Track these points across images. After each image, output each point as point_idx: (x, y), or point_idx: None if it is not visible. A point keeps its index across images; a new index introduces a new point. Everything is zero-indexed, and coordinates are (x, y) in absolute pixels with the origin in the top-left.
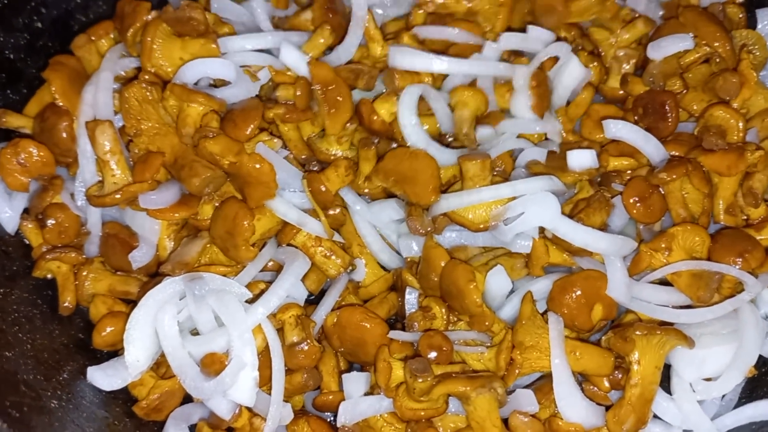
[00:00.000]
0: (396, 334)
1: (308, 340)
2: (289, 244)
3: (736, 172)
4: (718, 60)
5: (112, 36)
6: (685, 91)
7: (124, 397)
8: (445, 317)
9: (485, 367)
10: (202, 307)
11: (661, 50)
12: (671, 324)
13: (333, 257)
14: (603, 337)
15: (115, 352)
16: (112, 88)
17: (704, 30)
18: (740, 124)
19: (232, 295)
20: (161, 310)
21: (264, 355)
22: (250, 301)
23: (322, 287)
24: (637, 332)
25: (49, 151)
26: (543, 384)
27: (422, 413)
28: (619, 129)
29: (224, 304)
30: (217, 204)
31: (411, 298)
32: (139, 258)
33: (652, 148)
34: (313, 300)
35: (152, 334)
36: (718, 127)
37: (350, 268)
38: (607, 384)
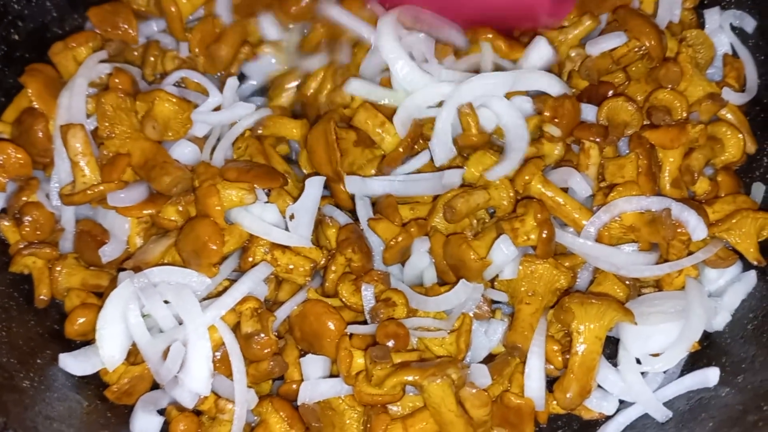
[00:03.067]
0: (355, 328)
1: (264, 332)
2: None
3: (678, 144)
4: (647, 53)
5: (91, 45)
6: (627, 83)
7: (96, 382)
8: (406, 306)
9: (447, 352)
10: (156, 303)
11: (597, 46)
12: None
13: (295, 268)
14: (550, 311)
15: (87, 342)
16: (86, 94)
17: (633, 25)
18: (683, 104)
19: (189, 291)
20: (126, 307)
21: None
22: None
23: None
24: (574, 301)
25: (26, 153)
26: (499, 362)
27: (380, 398)
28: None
29: (182, 299)
30: (180, 208)
31: (368, 294)
32: (109, 253)
33: None
34: None
35: (121, 329)
36: (664, 107)
37: (321, 267)
38: (559, 359)
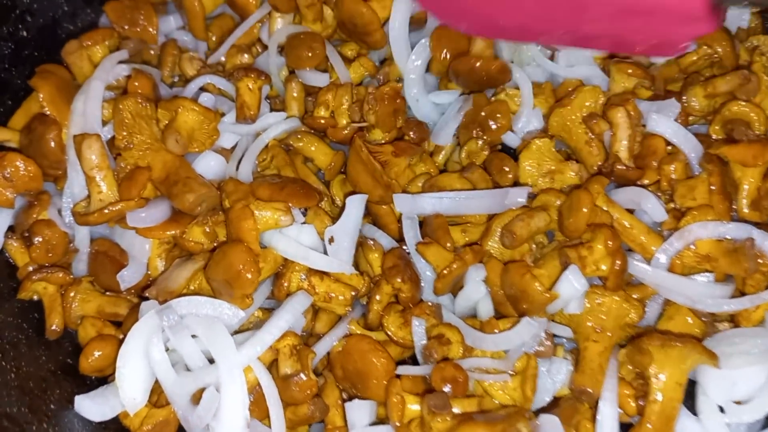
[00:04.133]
0: (406, 369)
1: (304, 372)
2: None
3: (762, 162)
4: (718, 61)
5: (107, 44)
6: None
7: (115, 426)
8: (461, 344)
9: (510, 399)
10: (184, 338)
11: None
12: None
13: (335, 297)
14: (621, 351)
15: (104, 378)
16: (103, 98)
17: None
18: (761, 118)
19: (221, 325)
20: (149, 342)
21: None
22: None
23: None
24: (654, 343)
25: (36, 166)
26: (566, 408)
27: None
28: (659, 123)
29: (213, 335)
30: (207, 228)
31: (419, 330)
32: (128, 278)
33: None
34: None
35: (144, 367)
36: (741, 120)
37: (362, 295)
38: (633, 405)
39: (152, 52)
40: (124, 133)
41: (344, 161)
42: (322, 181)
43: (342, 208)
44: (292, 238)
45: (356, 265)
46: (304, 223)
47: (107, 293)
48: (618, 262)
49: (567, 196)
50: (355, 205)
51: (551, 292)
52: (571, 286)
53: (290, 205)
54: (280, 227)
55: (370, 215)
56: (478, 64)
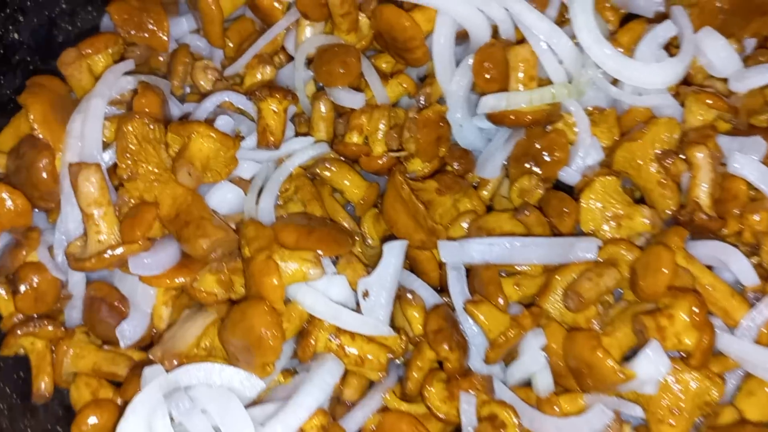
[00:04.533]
0: None
1: None
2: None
3: None
4: None
5: (110, 51)
6: None
7: None
8: (518, 428)
9: None
10: (193, 415)
11: (745, 82)
12: None
13: (368, 360)
14: None
15: None
16: (104, 119)
17: None
18: None
19: (237, 401)
20: (153, 416)
21: None
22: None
23: None
24: None
25: (24, 199)
26: None
27: None
28: (743, 165)
29: (227, 413)
30: (222, 276)
31: (468, 408)
32: (129, 333)
33: None
34: None
35: None
36: None
37: (399, 359)
38: None
39: (161, 58)
40: (129, 162)
41: (378, 194)
42: (352, 216)
43: (375, 250)
44: (321, 292)
45: (392, 320)
46: (334, 273)
47: (104, 347)
48: (706, 337)
49: (640, 249)
50: (395, 254)
51: (626, 371)
52: (652, 367)
53: (320, 253)
54: (308, 281)
55: (407, 259)
56: (512, 116)
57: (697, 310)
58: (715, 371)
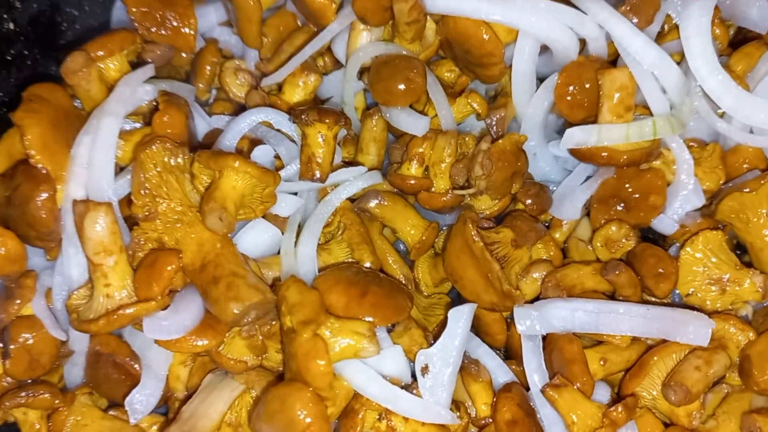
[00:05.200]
0: None
1: None
2: None
3: None
4: None
5: (125, 53)
6: None
7: None
8: None
9: None
10: None
11: None
12: None
13: None
14: None
15: None
16: (116, 143)
17: None
18: None
19: None
20: None
21: None
22: None
23: None
24: None
25: (17, 242)
26: None
27: None
28: None
29: None
30: (255, 340)
31: None
32: (140, 406)
33: None
34: None
35: None
36: None
37: None
38: None
39: (183, 55)
40: (146, 198)
41: (436, 236)
42: (404, 259)
43: (430, 300)
44: (374, 369)
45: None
46: (389, 343)
47: (110, 412)
48: None
49: (754, 330)
50: (462, 322)
51: None
52: None
53: (375, 322)
54: (360, 358)
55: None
56: (604, 154)
57: None
58: None
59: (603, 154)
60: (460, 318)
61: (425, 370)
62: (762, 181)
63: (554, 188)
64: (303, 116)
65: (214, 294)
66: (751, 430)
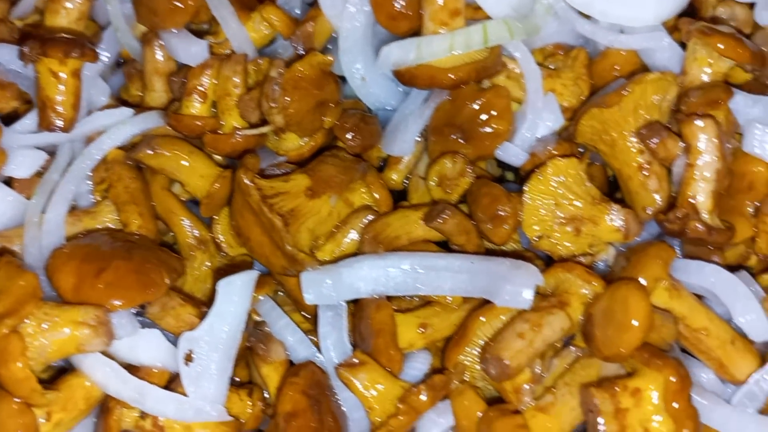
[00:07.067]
0: None
1: None
2: None
3: None
4: None
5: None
6: None
7: None
8: None
9: None
10: None
11: None
12: None
13: None
14: None
15: None
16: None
17: None
18: None
19: None
20: None
21: None
22: None
23: None
24: None
25: None
26: None
27: None
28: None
29: None
30: None
31: None
32: None
33: None
34: None
35: None
36: None
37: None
38: None
39: None
40: None
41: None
42: (199, 217)
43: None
44: (119, 360)
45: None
46: (142, 318)
47: None
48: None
49: (603, 281)
50: (235, 296)
51: None
52: None
53: (112, 308)
54: (82, 352)
55: (275, 281)
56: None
57: (678, 389)
58: None
59: (423, 75)
60: (231, 292)
61: (189, 358)
62: (624, 92)
63: (389, 116)
64: (25, 49)
65: None
66: (588, 408)
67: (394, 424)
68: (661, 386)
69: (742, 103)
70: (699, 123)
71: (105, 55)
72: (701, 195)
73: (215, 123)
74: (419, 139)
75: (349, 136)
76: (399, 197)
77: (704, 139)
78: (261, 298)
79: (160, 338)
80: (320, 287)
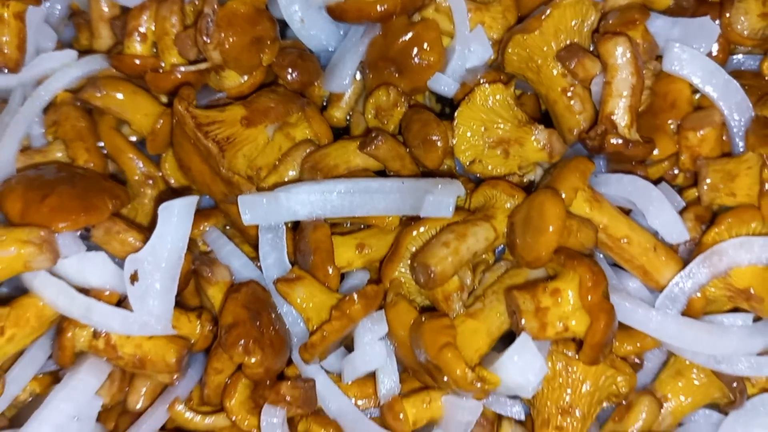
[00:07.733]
0: None
1: None
2: None
3: None
4: None
5: None
6: None
7: None
8: None
9: None
10: None
11: None
12: None
13: (151, 360)
14: None
15: None
16: None
17: None
18: None
19: None
20: None
21: None
22: None
23: None
24: None
25: None
26: None
27: None
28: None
29: None
30: None
31: (273, 424)
32: None
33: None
34: None
35: None
36: None
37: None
38: None
39: None
40: None
41: None
42: (146, 155)
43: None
44: (69, 279)
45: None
46: (89, 245)
47: None
48: (600, 325)
49: (524, 194)
50: (175, 219)
51: (487, 377)
52: (520, 373)
53: (56, 229)
54: (31, 270)
55: (221, 212)
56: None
57: (591, 288)
58: (628, 350)
59: (353, 6)
60: (171, 214)
61: (134, 278)
62: (543, 17)
63: (329, 55)
64: None
65: None
66: (511, 309)
67: (328, 329)
68: (579, 284)
69: (662, 26)
70: (614, 40)
71: (56, 8)
72: (619, 111)
73: (155, 62)
74: (360, 78)
75: (287, 71)
76: (343, 134)
77: (619, 55)
78: (208, 228)
79: (106, 260)
80: (257, 208)
